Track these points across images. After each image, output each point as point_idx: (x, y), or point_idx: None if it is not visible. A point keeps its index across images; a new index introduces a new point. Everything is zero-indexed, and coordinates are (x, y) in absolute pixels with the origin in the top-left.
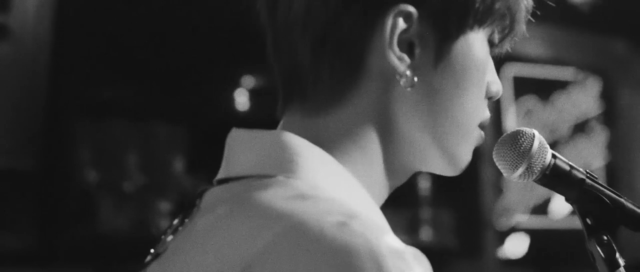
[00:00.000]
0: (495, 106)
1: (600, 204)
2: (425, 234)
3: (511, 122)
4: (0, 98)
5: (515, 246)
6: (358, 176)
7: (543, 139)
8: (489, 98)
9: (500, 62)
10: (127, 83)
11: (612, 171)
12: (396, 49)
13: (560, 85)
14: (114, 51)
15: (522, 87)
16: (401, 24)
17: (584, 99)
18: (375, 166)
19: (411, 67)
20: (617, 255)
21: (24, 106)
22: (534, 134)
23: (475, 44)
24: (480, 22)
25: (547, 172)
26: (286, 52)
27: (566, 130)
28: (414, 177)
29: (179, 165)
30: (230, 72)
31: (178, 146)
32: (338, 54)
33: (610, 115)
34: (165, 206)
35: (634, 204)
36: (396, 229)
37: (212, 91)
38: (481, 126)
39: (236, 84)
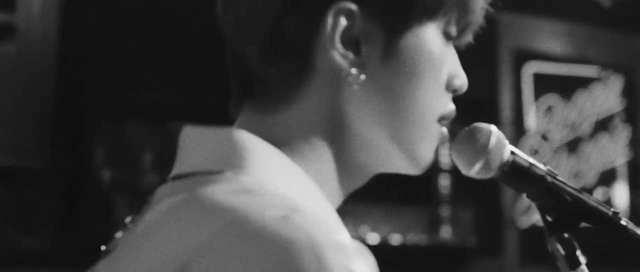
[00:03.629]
0: (516, 104)
1: (561, 201)
2: (445, 232)
3: (532, 120)
4: (7, 97)
5: None
6: (310, 175)
7: (501, 135)
8: (453, 91)
9: (521, 59)
10: (142, 81)
11: (635, 169)
12: (339, 46)
13: (581, 83)
14: (126, 49)
15: (543, 84)
16: (343, 21)
17: (606, 96)
18: (328, 166)
19: (357, 64)
20: (578, 252)
21: (34, 106)
22: (491, 130)
23: (427, 37)
24: (429, 15)
25: (506, 168)
26: (237, 57)
27: (588, 128)
28: (433, 176)
29: None
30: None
31: None
32: (284, 57)
33: (632, 113)
34: None
35: (595, 201)
36: (416, 227)
37: (228, 91)
38: (444, 119)
39: None
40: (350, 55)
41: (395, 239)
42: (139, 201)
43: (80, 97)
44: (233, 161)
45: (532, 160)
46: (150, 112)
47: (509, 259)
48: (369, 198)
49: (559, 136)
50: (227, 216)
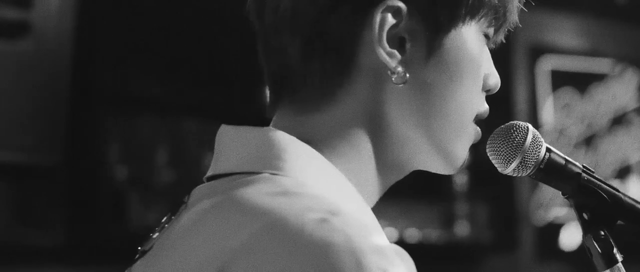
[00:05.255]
0: (532, 99)
1: (597, 199)
2: (461, 228)
3: (548, 115)
4: (22, 95)
5: (570, 238)
6: (349, 174)
7: (537, 133)
8: (487, 91)
9: (536, 54)
10: (156, 78)
11: None
12: (386, 45)
13: (597, 78)
14: (141, 46)
15: (559, 79)
16: (390, 19)
17: (622, 91)
18: (367, 164)
19: (402, 62)
20: (615, 250)
21: (48, 103)
22: (527, 127)
23: (469, 37)
24: (472, 15)
25: (542, 166)
26: (275, 53)
27: (604, 123)
28: None
29: (209, 161)
30: (261, 66)
31: (208, 141)
32: (327, 53)
33: None
34: None
35: (631, 199)
36: (431, 223)
37: (243, 86)
38: (479, 119)
39: None
40: (396, 53)
41: (411, 235)
42: (152, 197)
43: (95, 94)
44: (271, 161)
45: (567, 157)
46: (165, 108)
47: (524, 255)
48: (384, 193)
49: (576, 131)
50: (265, 218)
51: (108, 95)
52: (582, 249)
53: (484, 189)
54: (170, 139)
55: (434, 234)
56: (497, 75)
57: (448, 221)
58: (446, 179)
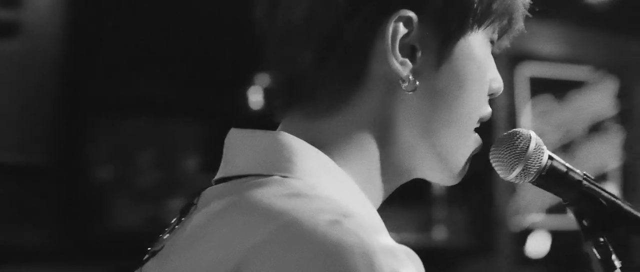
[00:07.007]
0: (510, 106)
1: (597, 206)
2: (439, 233)
3: (526, 122)
4: (11, 95)
5: (537, 246)
6: (356, 178)
7: (540, 140)
8: (490, 95)
9: (515, 61)
10: (141, 80)
11: (628, 172)
12: (398, 54)
13: (575, 85)
14: (128, 48)
15: (538, 87)
16: (402, 29)
17: (599, 99)
18: (374, 169)
19: (413, 71)
20: (614, 257)
21: (36, 103)
22: (530, 135)
23: (476, 44)
24: (479, 23)
25: (544, 173)
26: (287, 58)
27: (582, 130)
28: None
29: (193, 162)
30: (244, 70)
31: (192, 143)
32: (340, 61)
33: (626, 116)
34: (179, 203)
35: (630, 206)
36: (409, 228)
37: (226, 89)
38: (481, 121)
39: (250, 82)
40: (408, 62)
41: None
42: (137, 198)
43: (82, 94)
44: (281, 164)
45: (569, 165)
46: (151, 110)
47: (501, 260)
48: None
49: (553, 138)
50: (279, 219)
51: (95, 97)
52: (552, 255)
53: (462, 194)
54: (154, 141)
55: (411, 238)
56: (500, 80)
57: (426, 226)
58: (424, 184)
